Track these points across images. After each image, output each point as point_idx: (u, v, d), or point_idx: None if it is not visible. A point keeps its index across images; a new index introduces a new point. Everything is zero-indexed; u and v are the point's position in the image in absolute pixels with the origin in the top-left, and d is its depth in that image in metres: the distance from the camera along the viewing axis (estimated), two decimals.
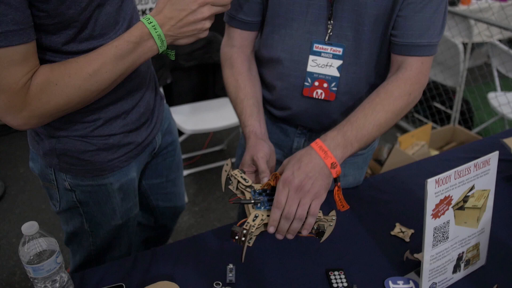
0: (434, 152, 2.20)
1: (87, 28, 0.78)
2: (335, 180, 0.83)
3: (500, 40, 3.96)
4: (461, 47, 2.50)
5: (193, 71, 2.44)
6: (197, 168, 2.51)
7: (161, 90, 1.90)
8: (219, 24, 1.00)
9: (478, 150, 1.31)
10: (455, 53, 2.53)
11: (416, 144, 2.12)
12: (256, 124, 0.97)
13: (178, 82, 2.41)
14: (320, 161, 0.79)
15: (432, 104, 2.95)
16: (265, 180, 0.85)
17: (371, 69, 0.96)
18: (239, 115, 0.99)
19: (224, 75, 1.04)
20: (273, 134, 1.11)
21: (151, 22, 0.75)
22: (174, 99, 2.39)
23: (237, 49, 1.02)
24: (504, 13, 3.06)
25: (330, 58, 0.95)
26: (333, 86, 0.97)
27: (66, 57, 0.78)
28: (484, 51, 3.84)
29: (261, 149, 0.90)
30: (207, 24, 0.78)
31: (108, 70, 0.76)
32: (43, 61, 0.76)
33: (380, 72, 0.98)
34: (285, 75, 0.99)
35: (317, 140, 0.82)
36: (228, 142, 2.73)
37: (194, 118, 2.25)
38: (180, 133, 2.10)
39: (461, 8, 3.17)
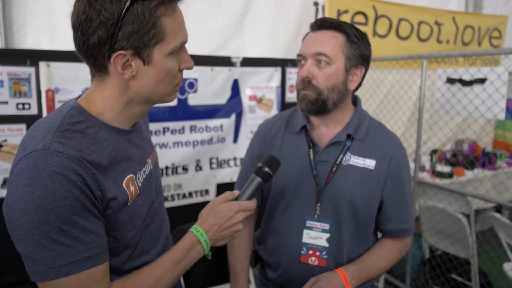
0: None
1: (137, 247, 0.92)
2: None
3: (499, 207, 4.09)
4: (464, 220, 2.61)
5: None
6: None
7: (182, 281, 1.94)
8: None
9: None
10: (461, 226, 2.62)
11: None
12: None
13: (196, 267, 2.45)
14: (342, 286, 1.14)
15: (449, 276, 2.91)
16: None
17: (350, 242, 1.23)
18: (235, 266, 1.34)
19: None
20: None
21: (198, 231, 0.92)
22: (193, 286, 2.39)
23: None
24: (498, 182, 3.26)
25: (319, 231, 1.21)
26: (324, 255, 1.21)
27: (124, 275, 0.89)
28: (487, 215, 3.91)
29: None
30: (240, 226, 0.96)
31: (168, 275, 0.89)
32: None
33: (358, 245, 1.25)
34: (284, 244, 1.24)
35: (341, 269, 1.17)
36: None
37: None
38: None
39: (455, 179, 3.40)
